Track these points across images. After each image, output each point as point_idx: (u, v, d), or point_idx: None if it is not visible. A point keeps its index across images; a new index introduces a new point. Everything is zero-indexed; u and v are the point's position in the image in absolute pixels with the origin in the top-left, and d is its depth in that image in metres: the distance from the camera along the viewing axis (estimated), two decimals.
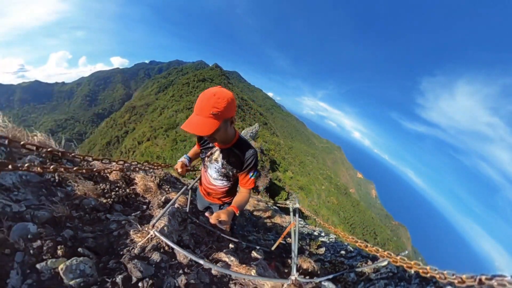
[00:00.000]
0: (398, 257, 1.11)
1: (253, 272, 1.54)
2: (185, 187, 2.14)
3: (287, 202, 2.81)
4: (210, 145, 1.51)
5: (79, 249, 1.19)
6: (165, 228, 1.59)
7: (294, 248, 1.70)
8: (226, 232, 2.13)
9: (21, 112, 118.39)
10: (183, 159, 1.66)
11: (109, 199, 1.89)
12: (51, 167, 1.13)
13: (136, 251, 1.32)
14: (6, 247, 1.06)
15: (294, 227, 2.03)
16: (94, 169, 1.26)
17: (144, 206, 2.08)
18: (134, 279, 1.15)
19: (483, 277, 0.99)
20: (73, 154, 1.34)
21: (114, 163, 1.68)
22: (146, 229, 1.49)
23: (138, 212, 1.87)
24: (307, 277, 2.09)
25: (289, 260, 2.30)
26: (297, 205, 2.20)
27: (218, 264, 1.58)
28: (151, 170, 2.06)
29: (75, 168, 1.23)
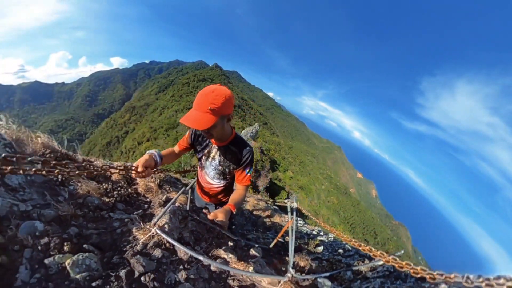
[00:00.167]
0: (390, 257, 1.16)
1: (251, 269, 1.59)
2: (185, 187, 2.20)
3: (286, 201, 2.86)
4: (207, 142, 1.55)
5: (84, 246, 1.24)
6: (166, 226, 1.64)
7: (291, 245, 1.76)
8: (225, 230, 2.19)
9: (22, 112, 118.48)
10: (151, 152, 1.36)
11: (111, 198, 1.95)
12: (67, 171, 1.14)
13: (138, 247, 1.38)
14: (15, 243, 1.11)
15: (292, 225, 2.09)
16: (95, 172, 1.26)
17: (146, 205, 2.13)
18: (136, 274, 1.21)
19: (471, 276, 1.04)
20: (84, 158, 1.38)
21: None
22: (148, 226, 1.55)
23: (140, 211, 1.93)
24: (304, 274, 2.14)
25: (286, 258, 2.35)
26: (295, 204, 2.25)
27: (217, 261, 1.63)
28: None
29: (86, 170, 1.23)
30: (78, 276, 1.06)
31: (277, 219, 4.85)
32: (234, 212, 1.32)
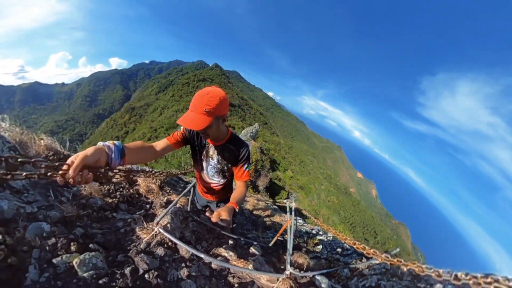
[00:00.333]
0: (383, 255, 1.21)
1: (250, 266, 1.64)
2: (186, 189, 2.25)
3: (285, 201, 2.91)
4: (204, 142, 1.58)
5: (90, 245, 1.29)
6: (168, 225, 1.70)
7: (289, 243, 1.81)
8: (225, 229, 2.24)
9: (22, 113, 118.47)
10: (104, 145, 0.96)
11: (114, 199, 2.00)
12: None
13: (142, 246, 1.44)
14: (23, 244, 1.15)
15: (290, 224, 2.14)
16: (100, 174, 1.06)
17: (148, 206, 2.19)
18: (141, 271, 1.26)
19: (459, 274, 1.08)
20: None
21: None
22: (151, 226, 1.60)
23: (142, 211, 1.98)
24: (302, 271, 2.19)
25: (285, 256, 2.40)
26: (293, 204, 2.30)
27: (217, 259, 1.68)
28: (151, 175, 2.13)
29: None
30: (85, 275, 1.11)
31: (277, 218, 4.90)
32: (237, 210, 1.34)
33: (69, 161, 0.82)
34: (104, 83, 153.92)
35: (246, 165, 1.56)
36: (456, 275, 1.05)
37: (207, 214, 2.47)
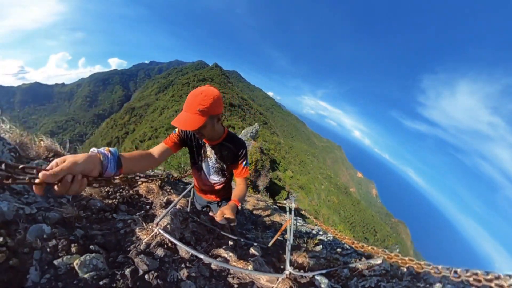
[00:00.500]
0: (380, 250, 1.22)
1: (250, 267, 1.65)
2: (186, 190, 2.26)
3: (284, 201, 2.92)
4: (201, 142, 1.58)
5: (91, 246, 1.30)
6: (168, 226, 1.70)
7: (289, 243, 1.81)
8: (225, 229, 2.25)
9: (22, 114, 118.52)
10: (98, 152, 0.85)
11: (114, 200, 2.00)
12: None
13: (142, 247, 1.44)
14: (24, 246, 1.16)
15: (290, 224, 2.15)
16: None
17: (147, 206, 2.19)
18: (141, 272, 1.27)
19: (458, 270, 1.09)
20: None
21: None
22: (151, 227, 1.61)
23: (142, 212, 1.99)
24: (302, 271, 2.19)
25: (285, 256, 2.41)
26: (293, 205, 2.31)
27: (217, 259, 1.69)
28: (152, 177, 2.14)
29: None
30: (86, 276, 1.12)
31: (276, 218, 4.91)
32: (239, 207, 1.33)
33: (50, 165, 0.69)
34: (104, 84, 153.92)
35: (245, 162, 1.57)
36: (456, 271, 1.05)
37: (210, 214, 2.47)
